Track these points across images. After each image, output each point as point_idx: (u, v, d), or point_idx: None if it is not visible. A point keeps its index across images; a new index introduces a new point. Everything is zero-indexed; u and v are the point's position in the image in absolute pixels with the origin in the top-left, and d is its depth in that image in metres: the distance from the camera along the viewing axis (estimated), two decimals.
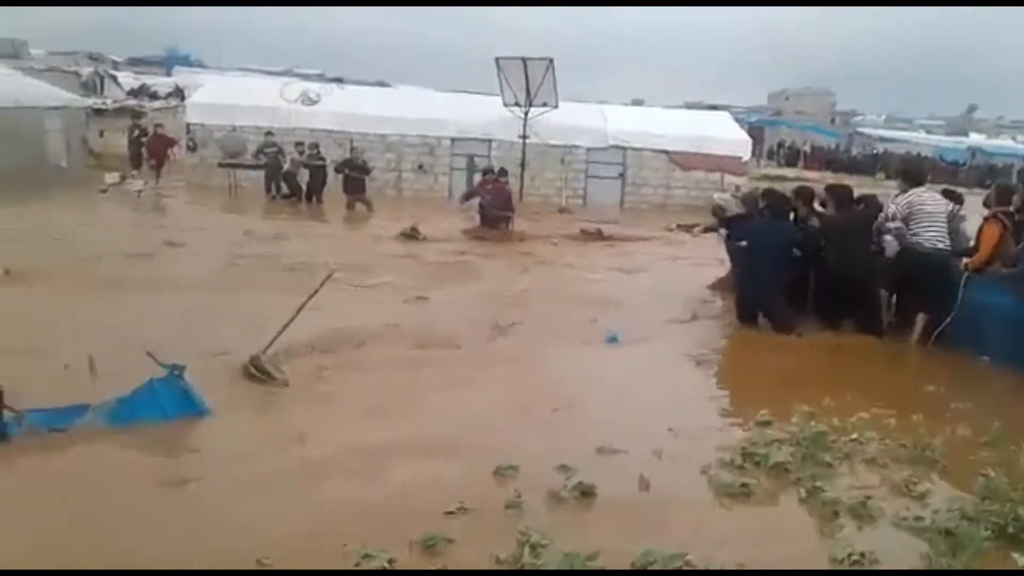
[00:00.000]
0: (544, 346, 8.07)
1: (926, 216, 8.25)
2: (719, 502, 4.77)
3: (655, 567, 3.85)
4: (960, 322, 7.95)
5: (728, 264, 10.38)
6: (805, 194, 9.45)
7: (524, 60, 20.45)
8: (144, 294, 9.03)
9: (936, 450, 5.53)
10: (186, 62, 54.86)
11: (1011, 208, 8.24)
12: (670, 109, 29.77)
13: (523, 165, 20.75)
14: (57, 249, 11.19)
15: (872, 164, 42.18)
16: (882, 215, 8.61)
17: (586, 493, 4.67)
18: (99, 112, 25.18)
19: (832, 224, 8.81)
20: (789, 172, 35.95)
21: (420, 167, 22.06)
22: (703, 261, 12.44)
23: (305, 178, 19.21)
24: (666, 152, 22.34)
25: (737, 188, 20.66)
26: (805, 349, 8.18)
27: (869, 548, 4.12)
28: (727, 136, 23.13)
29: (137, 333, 6.64)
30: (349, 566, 3.80)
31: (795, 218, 9.13)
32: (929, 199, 8.43)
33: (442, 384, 6.71)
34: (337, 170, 18.81)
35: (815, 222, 9.05)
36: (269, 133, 20.08)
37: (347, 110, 22.02)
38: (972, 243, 8.55)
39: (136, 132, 21.71)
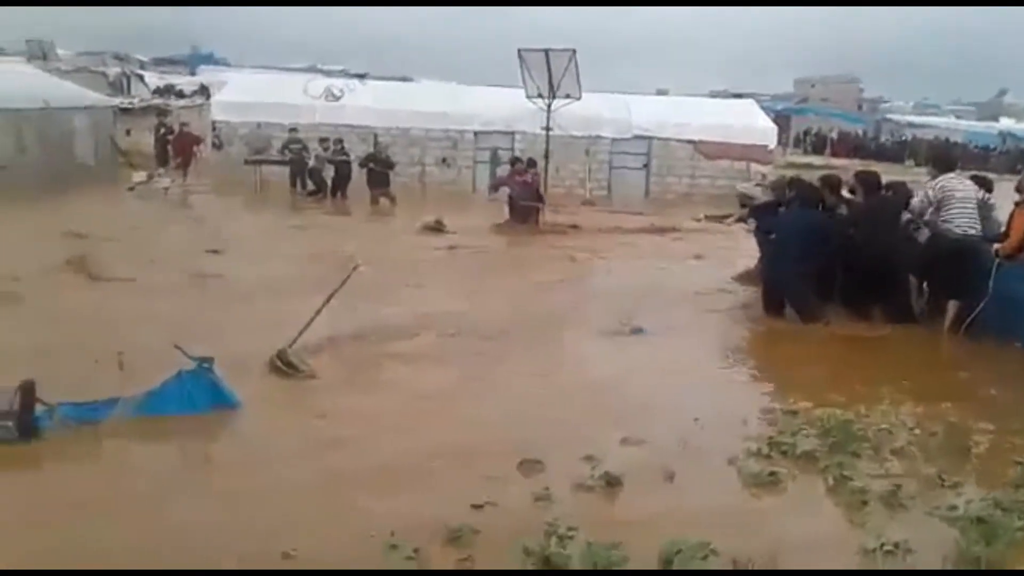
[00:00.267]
0: (570, 337, 8.07)
1: (957, 202, 8.14)
2: (746, 491, 4.74)
3: (680, 557, 3.82)
4: (992, 309, 7.83)
5: (756, 255, 10.28)
6: (832, 182, 9.34)
7: (547, 52, 20.34)
8: (174, 291, 9.13)
9: (968, 438, 5.45)
10: (211, 61, 55.28)
11: None
12: (695, 98, 29.55)
13: (547, 157, 20.66)
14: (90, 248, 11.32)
15: (900, 151, 41.59)
16: (915, 201, 8.51)
17: (612, 483, 4.66)
18: (126, 111, 25.42)
19: (860, 212, 8.71)
20: (816, 160, 35.51)
21: (444, 161, 22.08)
22: (731, 252, 12.34)
23: (330, 174, 19.30)
24: (691, 141, 22.18)
25: (763, 177, 20.50)
26: (833, 338, 8.11)
27: (900, 537, 4.07)
28: (753, 124, 22.93)
29: (169, 329, 6.71)
30: (376, 556, 3.82)
31: (823, 206, 9.02)
32: (960, 185, 8.32)
33: (467, 376, 6.73)
34: (361, 165, 18.88)
35: (843, 210, 8.95)
36: (293, 130, 20.20)
37: (371, 105, 22.10)
38: (1003, 229, 8.41)
39: (162, 131, 21.90)
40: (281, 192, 19.37)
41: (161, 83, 34.75)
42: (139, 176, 19.60)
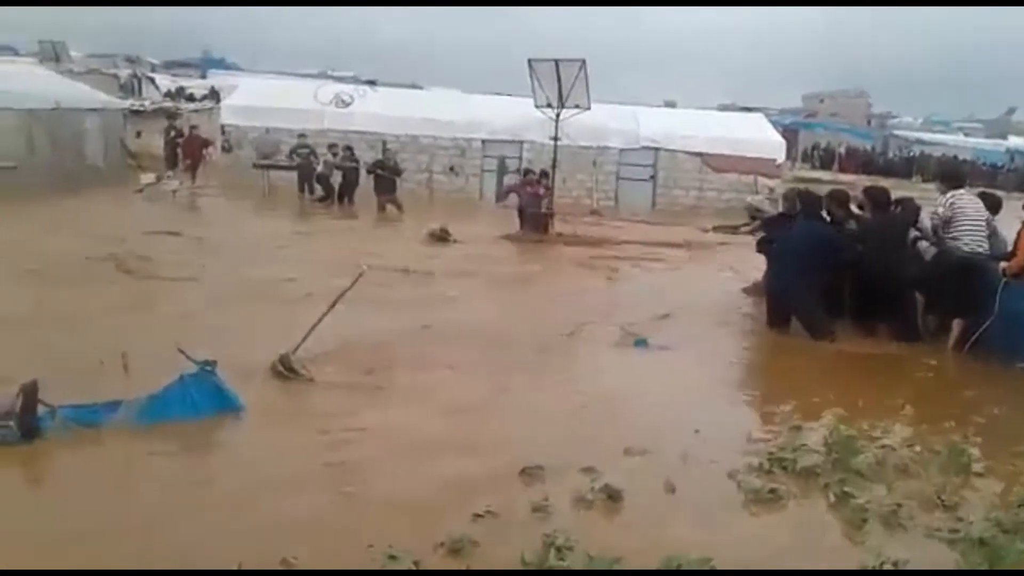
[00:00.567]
0: (573, 349, 8.05)
1: (966, 219, 8.12)
2: (746, 507, 4.72)
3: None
4: (997, 328, 7.80)
5: (763, 268, 10.26)
6: (840, 197, 9.33)
7: (556, 62, 20.36)
8: (177, 294, 9.15)
9: (971, 457, 5.42)
10: (221, 65, 55.67)
11: None
12: (703, 110, 29.56)
13: (554, 166, 20.66)
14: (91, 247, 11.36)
15: (908, 167, 41.57)
16: (924, 220, 8.48)
17: (612, 496, 4.64)
18: (136, 113, 25.52)
19: (869, 227, 8.69)
20: (824, 175, 35.47)
21: (451, 168, 22.12)
22: (739, 263, 12.32)
23: (338, 179, 19.34)
24: (699, 154, 22.18)
25: (771, 191, 20.45)
26: (838, 354, 8.08)
27: (901, 557, 4.05)
28: (761, 138, 22.92)
29: (176, 331, 6.71)
30: (375, 567, 3.81)
31: (832, 219, 8.99)
32: (969, 202, 8.29)
33: (469, 386, 6.71)
34: (369, 171, 18.90)
35: (852, 225, 8.93)
36: (302, 135, 20.27)
37: (380, 112, 22.16)
38: (1010, 248, 8.38)
39: (172, 133, 22.00)
40: (289, 197, 19.43)
41: (172, 86, 34.95)
42: (147, 178, 19.66)
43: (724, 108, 43.46)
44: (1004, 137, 56.71)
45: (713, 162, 22.21)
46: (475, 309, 9.32)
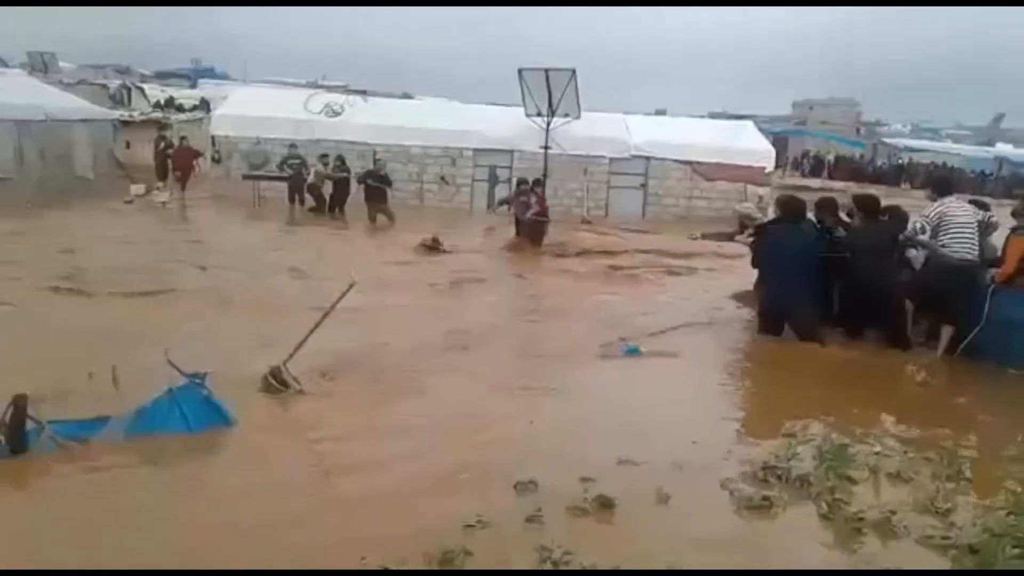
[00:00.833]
0: (564, 358, 8.04)
1: (955, 226, 8.14)
2: (739, 515, 4.72)
3: None
4: (987, 334, 7.84)
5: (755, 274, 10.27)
6: (828, 204, 9.37)
7: (547, 71, 20.46)
8: (168, 305, 9.12)
9: (962, 464, 5.44)
10: (212, 75, 55.65)
11: None
12: (693, 119, 29.63)
13: (545, 176, 20.72)
14: (85, 261, 11.32)
15: (898, 174, 41.80)
16: (910, 226, 8.52)
17: (605, 505, 4.64)
18: (126, 124, 25.42)
19: (858, 235, 8.73)
20: (813, 183, 35.64)
21: (442, 178, 22.11)
22: (726, 273, 12.35)
23: (329, 190, 19.30)
24: (689, 162, 22.22)
25: (760, 199, 20.53)
26: (829, 361, 8.10)
27: (893, 565, 4.05)
28: (751, 146, 22.96)
29: (166, 344, 6.68)
30: None
31: (822, 229, 9.01)
32: (958, 209, 8.32)
33: (460, 396, 6.70)
34: (359, 181, 18.88)
35: (841, 232, 8.97)
36: (293, 145, 20.20)
37: (371, 122, 22.11)
38: (1000, 253, 8.43)
39: (162, 144, 21.91)
40: (279, 208, 19.36)
41: (162, 97, 34.81)
42: (137, 189, 19.62)
43: (714, 116, 43.68)
44: (992, 144, 57.07)
45: (703, 170, 22.23)
46: (465, 320, 9.30)
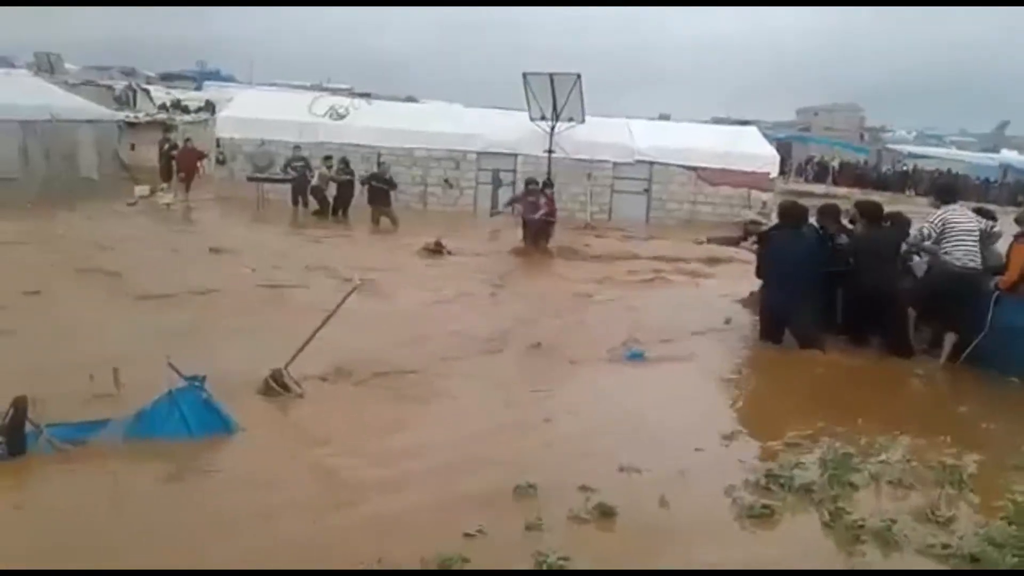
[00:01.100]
0: (567, 364, 8.02)
1: (958, 233, 8.11)
2: (741, 524, 4.70)
3: None
4: (990, 342, 7.81)
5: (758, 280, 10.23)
6: (831, 211, 9.34)
7: (551, 75, 20.47)
8: (169, 308, 9.12)
9: (964, 473, 5.42)
10: (217, 77, 55.70)
11: None
12: (697, 124, 29.58)
13: (549, 179, 20.71)
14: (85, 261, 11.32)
15: (902, 181, 41.73)
16: (913, 233, 8.49)
17: (606, 513, 4.62)
18: (131, 125, 25.45)
19: (861, 241, 8.70)
20: (818, 188, 35.58)
21: (446, 181, 22.10)
22: (734, 278, 12.31)
23: (332, 193, 19.31)
24: (693, 167, 22.18)
25: (764, 204, 20.51)
26: (832, 368, 8.05)
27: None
28: (755, 152, 22.92)
29: (167, 347, 6.67)
30: None
31: (825, 235, 8.98)
32: (962, 216, 8.30)
33: (461, 401, 6.69)
34: (363, 183, 18.89)
35: (844, 239, 8.94)
36: (297, 148, 20.24)
37: (375, 125, 22.13)
38: (1004, 260, 8.39)
39: (166, 145, 21.93)
40: (283, 210, 19.35)
41: (167, 98, 34.84)
42: (141, 190, 19.63)
43: (718, 121, 43.59)
44: (997, 151, 56.97)
45: (707, 176, 22.21)
46: (466, 324, 9.28)
